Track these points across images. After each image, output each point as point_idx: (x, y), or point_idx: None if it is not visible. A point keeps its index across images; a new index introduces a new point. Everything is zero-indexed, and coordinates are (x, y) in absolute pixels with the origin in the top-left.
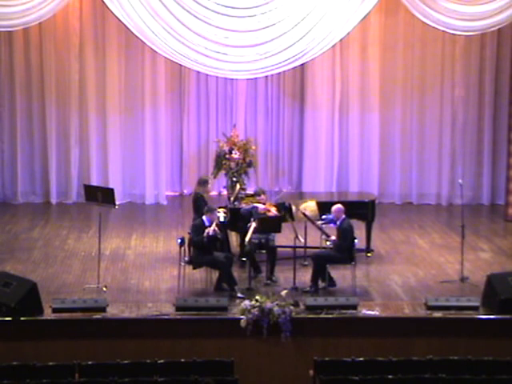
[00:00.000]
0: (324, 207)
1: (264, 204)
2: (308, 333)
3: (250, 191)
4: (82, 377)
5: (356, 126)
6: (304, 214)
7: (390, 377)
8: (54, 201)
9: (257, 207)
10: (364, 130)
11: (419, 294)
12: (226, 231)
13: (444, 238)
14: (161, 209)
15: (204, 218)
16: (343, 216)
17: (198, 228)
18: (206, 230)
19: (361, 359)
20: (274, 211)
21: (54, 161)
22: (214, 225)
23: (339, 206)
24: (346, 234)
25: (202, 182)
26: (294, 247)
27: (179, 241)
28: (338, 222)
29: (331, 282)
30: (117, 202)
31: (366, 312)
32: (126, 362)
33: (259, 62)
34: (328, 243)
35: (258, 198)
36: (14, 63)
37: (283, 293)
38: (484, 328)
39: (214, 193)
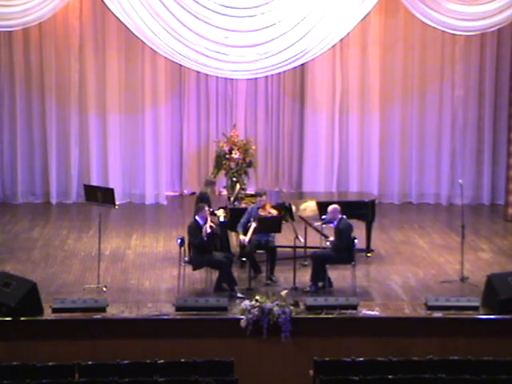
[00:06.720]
0: (324, 207)
1: (264, 207)
2: (308, 333)
3: (250, 191)
4: (82, 377)
5: (356, 126)
6: (301, 218)
7: (389, 377)
8: (53, 201)
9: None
10: (364, 130)
11: (419, 293)
12: (226, 231)
13: (444, 238)
14: (161, 209)
15: (197, 217)
16: (340, 216)
17: (195, 229)
18: (203, 229)
19: (361, 359)
20: (273, 213)
21: (54, 161)
22: (208, 221)
23: (334, 206)
24: (341, 234)
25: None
26: (294, 247)
27: (179, 241)
28: (335, 222)
29: (328, 282)
30: (117, 202)
31: (365, 312)
32: (126, 361)
33: (259, 62)
34: (327, 243)
35: (259, 198)
36: (13, 63)
37: (283, 293)
38: (484, 328)
39: None
